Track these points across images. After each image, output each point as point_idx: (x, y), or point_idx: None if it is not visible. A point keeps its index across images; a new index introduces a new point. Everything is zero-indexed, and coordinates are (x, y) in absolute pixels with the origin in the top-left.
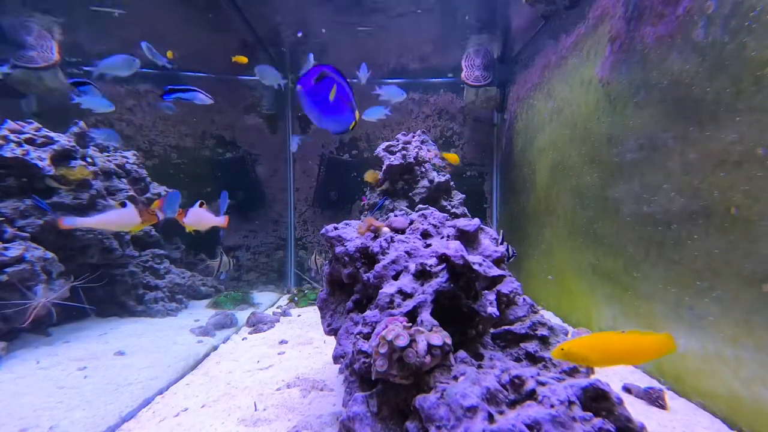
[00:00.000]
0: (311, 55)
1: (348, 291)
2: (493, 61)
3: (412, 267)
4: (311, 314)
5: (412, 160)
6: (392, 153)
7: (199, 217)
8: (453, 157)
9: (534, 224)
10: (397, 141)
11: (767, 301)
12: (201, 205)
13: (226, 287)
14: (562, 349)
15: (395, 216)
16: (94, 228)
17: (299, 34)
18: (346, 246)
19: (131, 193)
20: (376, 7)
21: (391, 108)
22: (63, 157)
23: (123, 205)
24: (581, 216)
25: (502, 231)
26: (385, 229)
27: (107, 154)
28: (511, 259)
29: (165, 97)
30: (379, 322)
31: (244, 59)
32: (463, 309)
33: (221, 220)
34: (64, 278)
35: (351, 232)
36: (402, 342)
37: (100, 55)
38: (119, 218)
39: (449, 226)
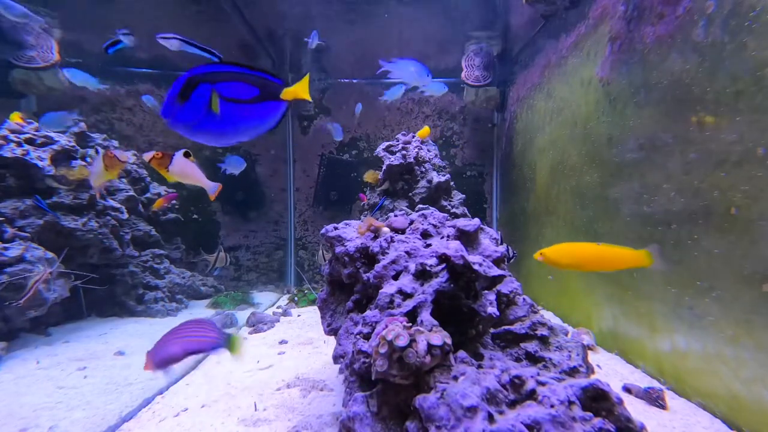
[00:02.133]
0: (315, 33)
1: (348, 291)
2: (493, 61)
3: (412, 267)
4: (311, 314)
5: (412, 160)
6: (392, 153)
7: (186, 169)
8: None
9: (534, 224)
10: (397, 141)
11: (767, 301)
12: (186, 156)
13: (226, 287)
14: (542, 254)
15: (395, 216)
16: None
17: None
18: (346, 246)
19: (130, 192)
20: (374, 7)
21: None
22: (63, 157)
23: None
24: (581, 216)
25: (500, 232)
26: (385, 229)
27: None
28: (512, 260)
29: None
30: (379, 322)
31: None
32: (463, 309)
33: (211, 186)
34: (64, 278)
35: (351, 232)
36: (402, 342)
37: (99, 55)
38: (95, 167)
39: (449, 226)
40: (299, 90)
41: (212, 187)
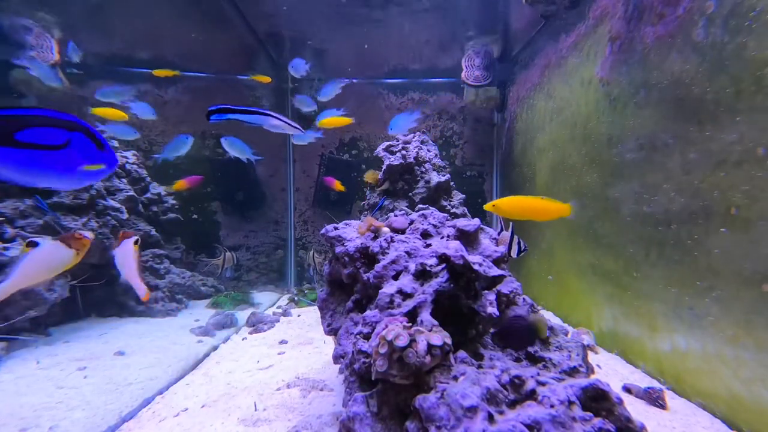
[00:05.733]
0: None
1: (348, 291)
2: (493, 61)
3: (412, 267)
4: (311, 314)
5: (412, 160)
6: (392, 153)
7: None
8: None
9: (534, 224)
10: (397, 141)
11: (767, 301)
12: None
13: (226, 287)
14: (494, 205)
15: (395, 216)
16: (20, 287)
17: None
18: (346, 246)
19: (130, 192)
20: (375, 7)
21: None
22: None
23: (34, 244)
24: (581, 216)
25: (512, 224)
26: (385, 229)
27: None
28: (522, 253)
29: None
30: (379, 322)
31: (266, 79)
32: (463, 309)
33: (140, 288)
34: (63, 278)
35: (351, 232)
36: (402, 342)
37: (100, 55)
38: (43, 261)
39: (449, 226)
40: None
41: (141, 290)
